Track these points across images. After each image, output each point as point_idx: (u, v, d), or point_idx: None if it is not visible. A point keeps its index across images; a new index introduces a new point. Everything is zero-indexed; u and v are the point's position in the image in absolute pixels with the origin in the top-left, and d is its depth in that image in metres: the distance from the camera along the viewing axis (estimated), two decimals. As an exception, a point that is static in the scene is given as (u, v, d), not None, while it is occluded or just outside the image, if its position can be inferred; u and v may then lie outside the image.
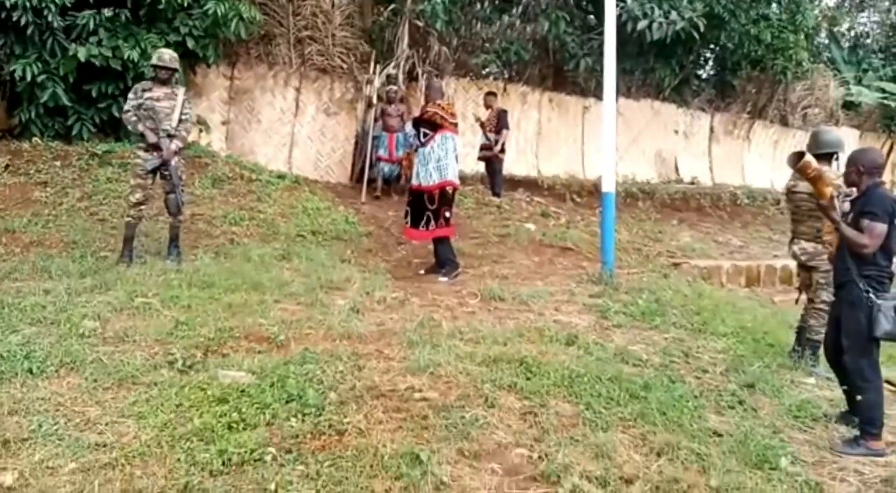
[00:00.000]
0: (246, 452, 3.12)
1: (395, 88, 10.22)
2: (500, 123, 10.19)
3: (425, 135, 6.78)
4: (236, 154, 9.95)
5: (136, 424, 3.41)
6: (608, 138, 6.97)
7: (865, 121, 16.93)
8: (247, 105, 10.38)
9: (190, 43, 8.55)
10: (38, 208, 6.92)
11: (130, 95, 6.21)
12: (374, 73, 10.39)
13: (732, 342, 5.51)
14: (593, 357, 4.66)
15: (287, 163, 10.54)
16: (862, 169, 3.89)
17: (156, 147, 6.11)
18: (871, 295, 3.80)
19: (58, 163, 7.81)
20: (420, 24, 10.67)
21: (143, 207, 6.29)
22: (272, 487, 2.87)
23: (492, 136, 10.20)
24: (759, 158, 15.39)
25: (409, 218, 7.00)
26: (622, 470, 3.30)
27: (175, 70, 6.37)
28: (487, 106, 10.46)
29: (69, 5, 7.79)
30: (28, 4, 7.37)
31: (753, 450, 3.57)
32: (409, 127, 6.68)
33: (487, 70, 11.93)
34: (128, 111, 6.16)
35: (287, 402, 3.63)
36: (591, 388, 4.11)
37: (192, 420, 3.41)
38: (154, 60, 6.28)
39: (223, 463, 3.04)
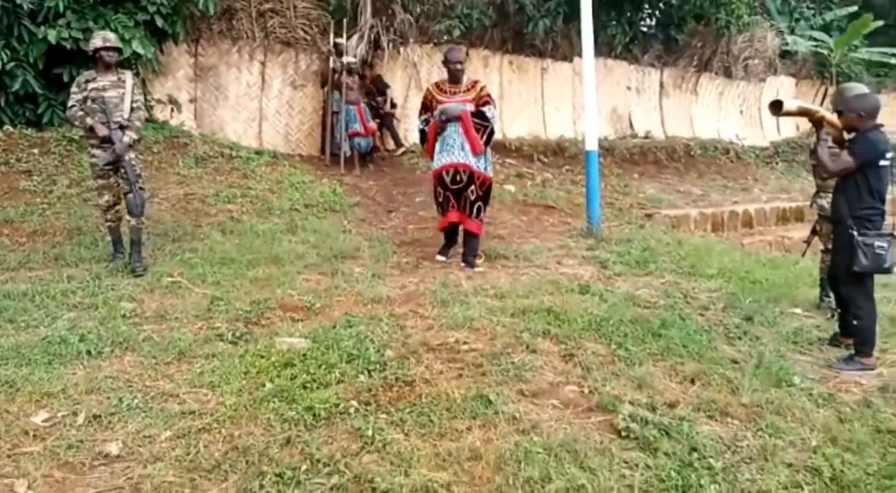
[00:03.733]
0: (331, 406, 3.36)
1: (352, 59, 10.19)
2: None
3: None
4: (207, 132, 9.88)
5: (211, 392, 3.59)
6: (589, 98, 7.29)
7: (801, 69, 17.75)
8: (212, 82, 10.26)
9: (159, 21, 8.43)
10: (29, 198, 6.84)
11: (74, 89, 5.56)
12: (330, 43, 10.37)
13: (721, 282, 5.98)
14: (608, 303, 5.04)
15: (257, 138, 10.51)
16: (863, 114, 4.22)
17: (107, 141, 5.48)
18: (855, 233, 4.23)
19: (35, 150, 7.67)
20: (382, -9, 10.71)
21: (117, 207, 5.75)
22: (370, 433, 3.13)
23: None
24: (707, 110, 16.04)
25: (482, 211, 6.10)
26: (664, 397, 3.68)
27: (120, 50, 5.77)
28: None
29: (33, -13, 7.59)
30: (-6, -12, 7.17)
31: (771, 372, 4.01)
32: (491, 110, 5.87)
33: (448, 36, 12.03)
34: (72, 106, 5.51)
35: (349, 361, 3.87)
36: (616, 330, 4.49)
37: (264, 385, 3.61)
38: (98, 43, 5.50)
39: (313, 417, 3.27)
